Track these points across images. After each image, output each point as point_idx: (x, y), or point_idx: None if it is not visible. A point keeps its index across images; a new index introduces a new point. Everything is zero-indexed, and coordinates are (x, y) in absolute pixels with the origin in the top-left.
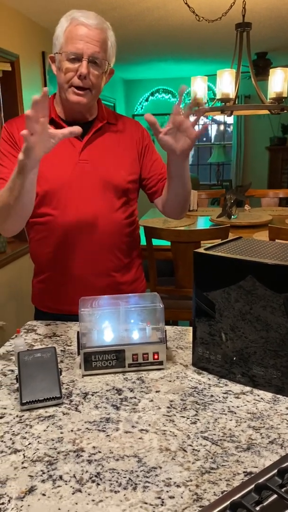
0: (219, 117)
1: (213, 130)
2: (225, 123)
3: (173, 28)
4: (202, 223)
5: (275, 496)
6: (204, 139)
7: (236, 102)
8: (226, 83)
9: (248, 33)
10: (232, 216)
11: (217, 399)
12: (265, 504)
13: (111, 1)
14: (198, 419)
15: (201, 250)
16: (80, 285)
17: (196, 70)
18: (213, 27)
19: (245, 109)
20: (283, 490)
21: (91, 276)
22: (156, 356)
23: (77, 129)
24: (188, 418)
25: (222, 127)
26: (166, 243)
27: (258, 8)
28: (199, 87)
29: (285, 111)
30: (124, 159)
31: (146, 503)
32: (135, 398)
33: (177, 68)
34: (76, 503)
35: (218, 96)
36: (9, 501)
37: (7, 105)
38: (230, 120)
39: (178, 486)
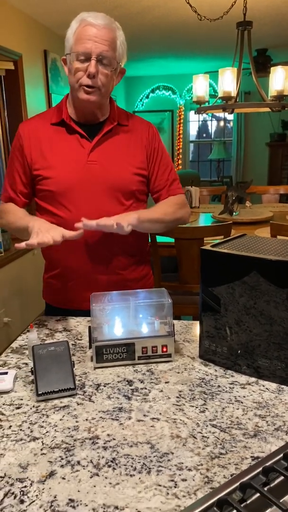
0: (219, 114)
1: (213, 127)
2: (225, 120)
3: (173, 26)
4: (205, 220)
5: (281, 478)
6: (204, 135)
7: (237, 99)
8: (228, 81)
9: (249, 32)
10: (234, 213)
11: (224, 389)
12: (272, 485)
13: (112, 0)
14: (207, 408)
15: (207, 247)
16: (88, 282)
17: (197, 67)
18: (214, 25)
19: (247, 107)
20: None
21: (99, 274)
22: (164, 349)
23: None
24: (196, 407)
25: (222, 124)
26: (170, 240)
27: (259, 6)
28: (200, 86)
29: (286, 108)
30: (133, 161)
31: (160, 485)
32: (146, 388)
33: (177, 65)
34: (94, 486)
35: (220, 95)
36: (31, 484)
37: (11, 103)
38: (230, 116)
39: (189, 470)
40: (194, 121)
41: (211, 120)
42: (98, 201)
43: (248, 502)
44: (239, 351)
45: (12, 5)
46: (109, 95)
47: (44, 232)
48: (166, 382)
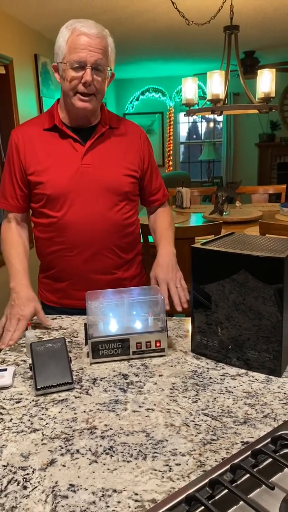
0: (209, 115)
1: (203, 128)
2: (214, 121)
3: (162, 30)
4: (195, 220)
5: (269, 460)
6: (194, 136)
7: (226, 101)
8: (216, 84)
9: (236, 35)
10: (224, 213)
11: (215, 381)
12: (260, 467)
13: (101, 5)
14: (199, 399)
15: (197, 245)
16: (83, 282)
17: (186, 69)
18: (201, 29)
19: (235, 109)
20: (276, 455)
21: (93, 273)
22: (158, 344)
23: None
24: (189, 398)
25: (211, 125)
26: None
27: (245, 10)
28: (189, 88)
29: (273, 110)
30: (126, 163)
31: (155, 469)
32: (140, 382)
33: (167, 67)
34: (93, 472)
35: (208, 97)
36: (33, 471)
37: (2, 107)
38: (219, 117)
39: (183, 455)
40: (184, 122)
41: (201, 122)
42: (92, 203)
43: (239, 482)
44: (229, 347)
45: (2, 10)
46: (102, 100)
47: (10, 323)
48: (160, 375)
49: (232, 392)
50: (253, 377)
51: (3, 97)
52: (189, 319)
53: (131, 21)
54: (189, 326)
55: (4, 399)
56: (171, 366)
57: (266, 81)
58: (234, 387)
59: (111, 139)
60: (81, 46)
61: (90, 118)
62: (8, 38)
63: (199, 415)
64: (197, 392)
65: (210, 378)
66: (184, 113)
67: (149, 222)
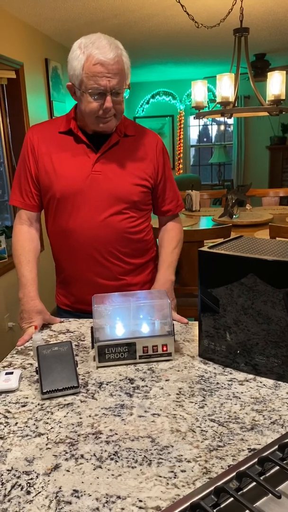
0: (220, 118)
1: (213, 131)
2: (225, 124)
3: (172, 33)
4: (205, 223)
5: (276, 468)
6: (205, 139)
7: (236, 103)
8: (226, 86)
9: (246, 38)
10: (234, 216)
11: (222, 386)
12: (267, 475)
13: (111, 9)
14: (206, 404)
15: (205, 248)
16: (91, 286)
17: (196, 72)
18: (211, 32)
19: (245, 111)
20: (284, 462)
21: (100, 279)
22: (165, 348)
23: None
24: (196, 403)
25: (222, 128)
26: None
27: (256, 12)
28: (199, 91)
29: (283, 112)
30: (137, 172)
31: (160, 476)
32: (147, 386)
33: (177, 70)
34: (98, 477)
35: (218, 100)
36: (37, 476)
37: (13, 111)
38: (230, 120)
39: (188, 461)
40: (195, 125)
41: (212, 125)
42: (99, 209)
43: (245, 490)
44: (238, 351)
45: (13, 15)
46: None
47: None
48: (166, 380)
49: (240, 398)
50: (261, 382)
51: (14, 102)
52: (197, 323)
53: (141, 24)
54: (196, 330)
55: (10, 402)
56: (178, 370)
57: (276, 84)
58: (242, 392)
59: (125, 147)
60: (99, 75)
61: None
62: (19, 43)
63: (206, 421)
64: (204, 397)
65: (217, 383)
66: (194, 116)
67: (158, 234)
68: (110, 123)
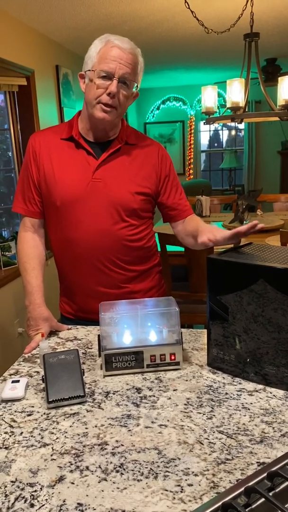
0: (230, 123)
1: (224, 136)
2: (236, 129)
3: (182, 39)
4: None
5: (286, 483)
6: (216, 144)
7: (247, 108)
8: (236, 92)
9: (256, 43)
10: (245, 221)
11: (231, 397)
12: (277, 490)
13: (122, 15)
14: (214, 415)
15: (214, 255)
16: (93, 295)
17: (206, 77)
18: (221, 37)
19: (255, 117)
20: None
21: (101, 287)
22: (173, 357)
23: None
24: (204, 414)
25: (233, 133)
26: (180, 248)
27: (266, 17)
28: (209, 97)
29: None
30: (138, 179)
31: (166, 490)
32: (154, 396)
33: (187, 76)
34: (102, 490)
35: (228, 105)
36: (41, 488)
37: (24, 117)
38: (241, 125)
39: (196, 475)
40: (205, 131)
41: (222, 130)
42: (99, 217)
43: (253, 506)
44: (247, 360)
45: (24, 23)
46: (122, 115)
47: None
48: (174, 390)
49: (249, 409)
50: (271, 393)
51: (25, 108)
52: (206, 331)
53: (151, 30)
54: (205, 339)
55: (15, 411)
56: (186, 380)
57: (287, 88)
58: (251, 403)
59: (126, 155)
60: (112, 58)
61: (108, 132)
62: (29, 50)
63: (214, 432)
64: (212, 408)
65: (226, 393)
66: (204, 121)
67: (178, 236)
68: (109, 114)
